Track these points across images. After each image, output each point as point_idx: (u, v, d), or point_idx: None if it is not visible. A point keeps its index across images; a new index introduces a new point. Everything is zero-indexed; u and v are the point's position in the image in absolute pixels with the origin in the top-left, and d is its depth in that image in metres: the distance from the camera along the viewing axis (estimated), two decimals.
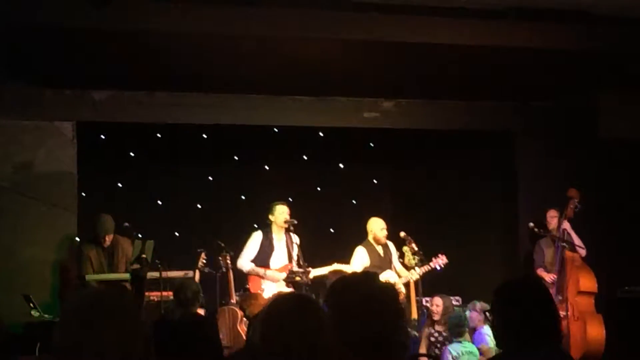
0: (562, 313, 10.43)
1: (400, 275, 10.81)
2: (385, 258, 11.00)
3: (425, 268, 10.75)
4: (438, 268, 10.82)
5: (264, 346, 2.94)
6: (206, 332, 8.58)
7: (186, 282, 8.88)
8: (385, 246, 11.04)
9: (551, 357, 3.76)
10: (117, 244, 10.56)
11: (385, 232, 11.00)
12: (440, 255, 10.87)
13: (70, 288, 10.39)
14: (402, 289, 10.48)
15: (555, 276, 10.73)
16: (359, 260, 10.90)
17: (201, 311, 9.39)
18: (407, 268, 10.83)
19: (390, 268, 10.90)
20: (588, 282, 10.67)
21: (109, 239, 10.43)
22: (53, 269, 10.84)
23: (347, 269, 10.43)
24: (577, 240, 10.89)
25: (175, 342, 8.13)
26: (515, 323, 3.77)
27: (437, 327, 10.22)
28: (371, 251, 10.99)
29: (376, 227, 11.03)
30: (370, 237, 11.03)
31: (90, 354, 2.41)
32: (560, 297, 10.58)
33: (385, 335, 3.18)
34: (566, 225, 10.90)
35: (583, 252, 10.88)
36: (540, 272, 10.97)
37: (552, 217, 11.15)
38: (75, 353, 2.43)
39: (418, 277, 10.71)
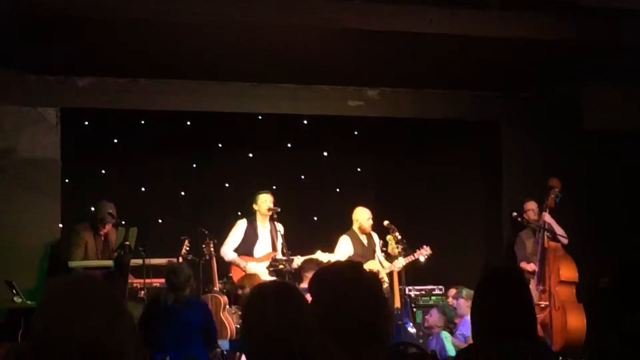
0: (543, 303, 10.48)
1: (383, 265, 10.83)
2: (369, 248, 11.02)
3: (409, 258, 10.76)
4: (421, 259, 10.83)
5: (245, 333, 2.95)
6: (206, 316, 8.62)
7: (179, 266, 8.85)
8: (369, 236, 11.06)
9: (527, 347, 3.77)
10: (109, 232, 10.57)
11: (371, 222, 11.01)
12: (424, 246, 10.89)
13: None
14: (386, 279, 10.50)
15: (536, 266, 10.76)
16: (343, 249, 10.92)
17: None
18: (391, 257, 10.84)
19: (373, 258, 10.92)
20: (569, 271, 10.71)
21: (108, 226, 10.43)
22: (37, 255, 10.81)
23: (327, 258, 10.46)
24: (558, 229, 10.92)
25: (173, 326, 8.18)
26: (489, 312, 3.79)
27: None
28: (355, 240, 11.00)
29: (362, 216, 11.03)
30: (355, 227, 11.05)
31: (67, 340, 2.41)
32: (541, 287, 10.62)
33: (368, 324, 3.19)
34: (546, 215, 10.92)
35: (565, 240, 10.92)
36: (523, 264, 11.00)
37: (530, 209, 11.17)
38: (51, 339, 2.42)
39: (402, 266, 10.72)
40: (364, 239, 11.05)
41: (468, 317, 10.24)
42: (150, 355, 8.26)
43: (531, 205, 11.17)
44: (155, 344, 8.16)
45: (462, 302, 10.51)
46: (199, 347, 8.35)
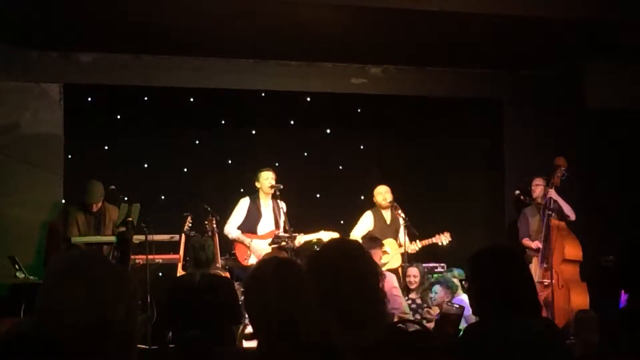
0: (546, 281, 10.48)
1: (401, 245, 10.85)
2: (391, 226, 11.06)
3: (428, 241, 10.91)
4: (440, 244, 10.96)
5: (245, 308, 2.97)
6: (232, 294, 8.52)
7: (206, 242, 8.67)
8: (395, 215, 11.05)
9: (536, 325, 3.78)
10: (105, 210, 10.55)
11: (382, 198, 11.12)
12: (444, 232, 10.97)
13: (56, 250, 10.37)
14: (398, 258, 10.65)
15: (540, 244, 10.76)
16: (363, 224, 11.12)
17: None
18: (412, 239, 10.91)
19: (395, 238, 10.95)
20: (573, 250, 10.70)
21: (96, 207, 10.42)
22: (39, 231, 10.84)
23: (329, 237, 10.52)
24: (565, 206, 10.88)
25: (200, 304, 8.05)
26: (489, 291, 3.79)
27: (412, 295, 10.25)
28: (378, 217, 11.14)
29: (377, 193, 11.22)
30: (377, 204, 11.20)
31: (70, 316, 2.42)
32: (545, 265, 10.61)
33: (366, 302, 3.20)
34: (552, 193, 10.91)
35: (572, 216, 10.88)
36: (526, 241, 11.00)
37: (537, 185, 11.15)
38: (55, 315, 2.43)
39: (417, 249, 10.87)
40: (387, 216, 11.12)
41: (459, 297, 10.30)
42: (178, 332, 8.23)
43: (538, 182, 11.14)
44: (181, 321, 8.12)
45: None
46: (224, 325, 8.29)
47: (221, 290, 8.31)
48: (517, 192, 11.19)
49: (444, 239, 11.00)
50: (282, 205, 10.66)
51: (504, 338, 3.68)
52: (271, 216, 10.72)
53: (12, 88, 10.90)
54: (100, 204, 10.43)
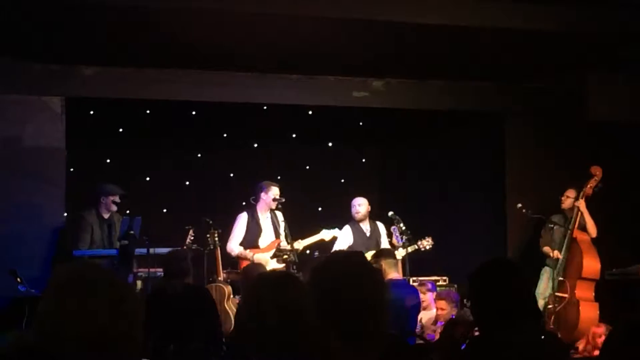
0: (560, 294, 10.40)
1: None
2: (371, 237, 11.06)
3: (411, 248, 10.83)
4: (422, 249, 10.90)
5: (245, 323, 2.96)
6: (211, 304, 8.47)
7: (180, 253, 8.68)
8: (373, 225, 11.09)
9: (537, 336, 3.79)
10: (113, 219, 10.63)
11: (356, 210, 11.11)
12: (426, 237, 10.94)
13: (61, 261, 10.39)
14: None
15: (559, 255, 10.64)
16: (343, 239, 11.08)
17: None
18: (395, 248, 10.88)
19: (376, 247, 10.95)
20: (592, 268, 10.52)
21: (114, 204, 10.49)
22: (43, 244, 10.84)
23: (330, 235, 10.57)
24: (589, 221, 10.75)
25: (179, 315, 7.97)
26: (490, 303, 3.81)
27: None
28: (356, 230, 11.08)
29: (353, 205, 11.24)
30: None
31: (70, 328, 2.42)
32: (561, 278, 10.52)
33: (368, 313, 3.20)
34: (581, 203, 10.74)
35: (594, 233, 10.75)
36: (547, 249, 10.93)
37: (568, 198, 11.03)
38: (56, 327, 2.44)
39: (403, 257, 10.76)
40: (366, 228, 11.11)
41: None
42: (153, 345, 8.22)
43: (570, 193, 10.97)
44: (158, 333, 8.10)
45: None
46: (201, 336, 8.27)
47: (196, 301, 8.23)
48: (519, 205, 11.16)
49: (426, 243, 10.92)
50: (279, 215, 10.72)
51: (506, 349, 3.69)
52: (271, 228, 10.76)
53: (14, 101, 10.90)
54: (115, 206, 10.52)
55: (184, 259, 8.39)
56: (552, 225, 10.98)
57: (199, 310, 8.23)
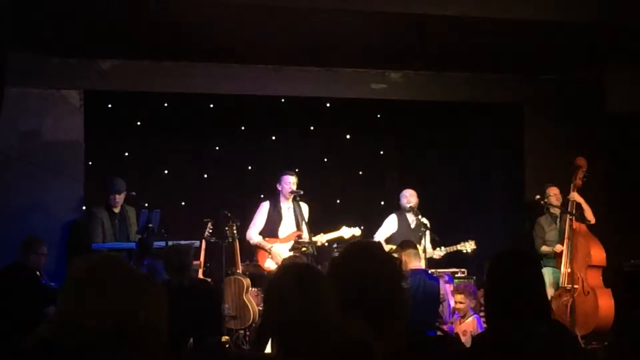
0: (568, 286, 10.39)
1: (424, 250, 10.78)
2: (415, 230, 10.97)
3: (452, 248, 10.90)
4: (464, 251, 10.92)
5: (265, 316, 2.95)
6: (217, 298, 8.40)
7: (182, 247, 8.59)
8: (419, 220, 10.98)
9: (545, 327, 3.78)
10: (126, 212, 10.64)
11: (407, 200, 11.12)
12: (470, 240, 10.93)
13: (77, 254, 10.38)
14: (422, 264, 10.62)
15: (562, 248, 10.64)
16: (386, 226, 11.16)
17: None
18: (437, 244, 10.92)
19: (419, 243, 10.83)
20: (599, 255, 10.55)
21: (120, 197, 10.49)
22: (60, 237, 10.87)
23: (350, 233, 10.54)
24: (587, 209, 10.77)
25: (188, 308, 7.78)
26: (505, 294, 3.81)
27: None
28: (402, 220, 11.13)
29: (401, 196, 11.24)
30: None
31: (89, 321, 2.42)
32: (568, 270, 10.51)
33: (388, 301, 3.20)
34: (575, 195, 10.77)
35: (593, 220, 10.75)
36: (545, 248, 10.93)
37: (552, 194, 11.08)
38: (74, 319, 2.43)
39: (442, 255, 10.92)
40: (412, 220, 11.09)
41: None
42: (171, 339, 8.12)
43: (554, 191, 11.06)
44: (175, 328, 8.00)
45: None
46: (206, 330, 8.18)
47: (200, 295, 8.16)
48: (538, 196, 11.10)
49: (468, 246, 10.93)
50: (304, 207, 10.65)
51: (518, 339, 3.69)
52: (292, 218, 10.68)
53: (33, 95, 10.95)
54: (122, 198, 10.55)
55: (186, 253, 8.34)
56: (553, 219, 10.99)
57: (207, 304, 8.18)
